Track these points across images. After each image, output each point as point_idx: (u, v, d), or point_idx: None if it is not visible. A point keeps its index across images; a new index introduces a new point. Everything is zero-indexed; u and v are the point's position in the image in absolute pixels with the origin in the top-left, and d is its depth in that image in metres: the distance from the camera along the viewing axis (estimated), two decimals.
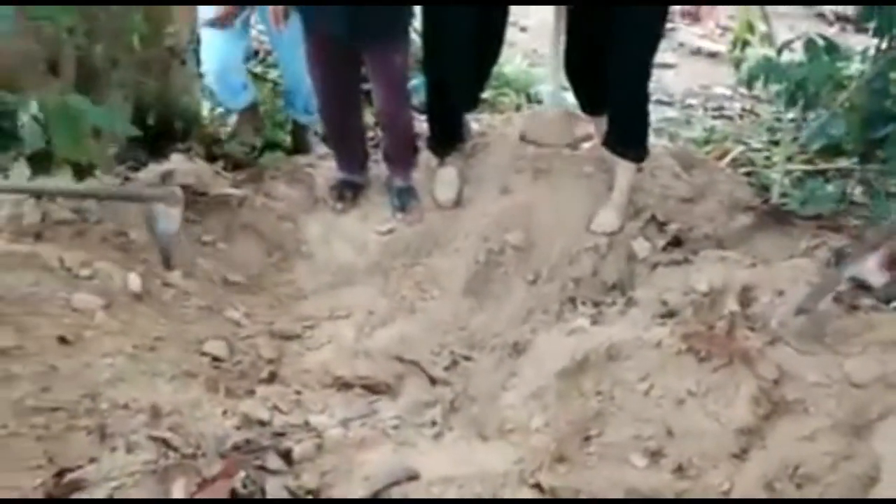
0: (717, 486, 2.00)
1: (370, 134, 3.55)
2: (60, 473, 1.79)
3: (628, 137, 3.15)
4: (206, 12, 3.17)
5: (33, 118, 2.60)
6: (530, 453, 2.12)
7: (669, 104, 5.27)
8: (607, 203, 3.17)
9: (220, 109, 3.76)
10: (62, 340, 2.14)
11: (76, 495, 1.75)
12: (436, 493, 1.88)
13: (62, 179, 2.65)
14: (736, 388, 2.17)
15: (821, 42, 3.52)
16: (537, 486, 1.94)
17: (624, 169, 3.17)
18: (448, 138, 3.38)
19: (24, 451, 1.79)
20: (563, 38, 3.24)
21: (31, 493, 1.71)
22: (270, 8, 2.88)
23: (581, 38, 2.92)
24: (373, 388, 2.42)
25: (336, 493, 1.92)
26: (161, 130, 3.33)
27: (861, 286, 2.45)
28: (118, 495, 1.77)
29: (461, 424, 2.31)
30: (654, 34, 2.99)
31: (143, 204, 2.71)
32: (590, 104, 3.32)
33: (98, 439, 1.90)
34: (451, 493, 1.86)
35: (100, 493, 1.76)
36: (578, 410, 2.27)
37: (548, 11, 3.52)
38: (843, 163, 3.77)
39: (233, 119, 3.66)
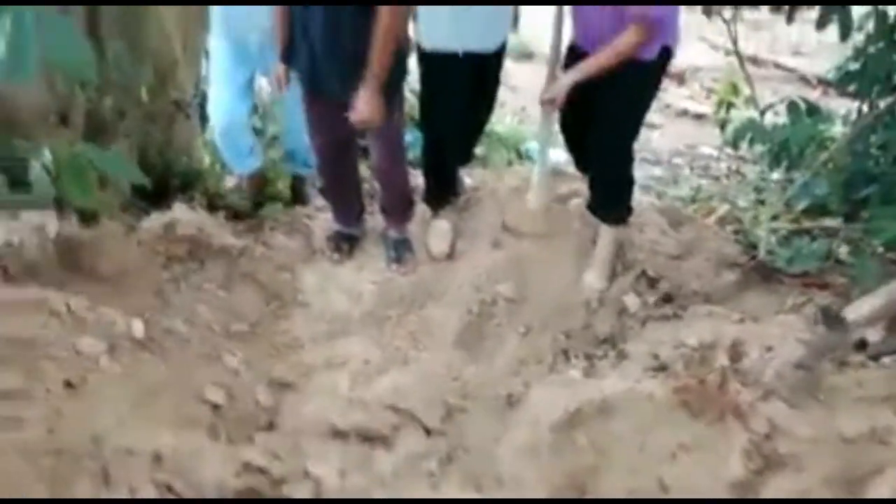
0: None
1: (366, 186, 3.64)
2: None
3: (609, 202, 3.23)
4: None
5: (43, 167, 2.67)
6: None
7: (656, 163, 5.42)
8: (592, 264, 3.24)
9: (222, 163, 3.82)
10: (67, 384, 2.16)
11: None
12: None
13: None
14: (728, 442, 2.21)
15: (802, 105, 3.66)
16: None
17: (606, 231, 3.25)
18: (442, 192, 3.48)
19: (28, 494, 1.80)
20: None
21: None
22: (273, 72, 2.99)
23: (576, 97, 3.04)
24: (369, 438, 2.44)
25: None
26: (164, 181, 3.40)
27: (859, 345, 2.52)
28: None
29: (457, 476, 2.33)
30: (640, 105, 3.05)
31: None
32: (582, 161, 3.42)
33: (102, 483, 1.91)
34: None
35: None
36: (572, 463, 2.31)
37: (537, 74, 3.64)
38: (828, 222, 3.88)
39: (235, 176, 3.71)
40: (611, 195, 3.21)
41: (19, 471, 1.86)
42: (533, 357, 2.95)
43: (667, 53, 2.89)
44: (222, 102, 3.24)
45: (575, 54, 2.99)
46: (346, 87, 2.82)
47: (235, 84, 3.24)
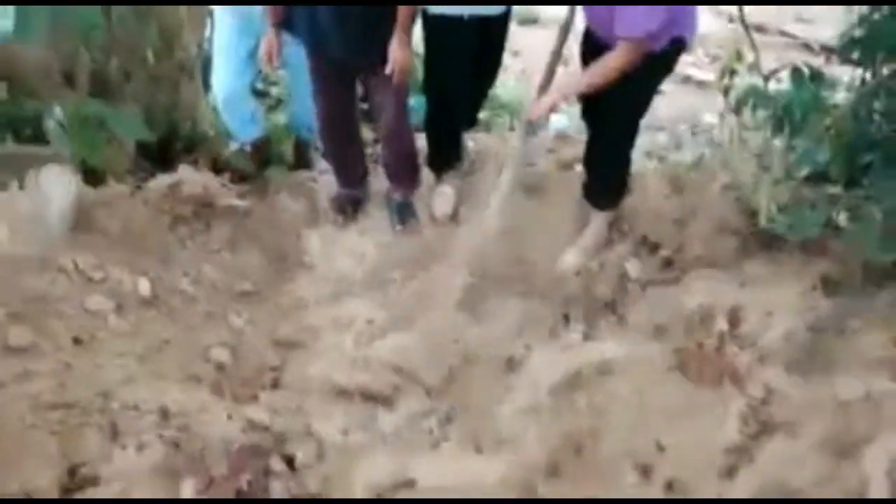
0: None
1: (369, 150, 3.64)
2: (73, 469, 1.85)
3: (602, 190, 3.19)
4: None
5: (58, 124, 2.67)
6: (524, 466, 2.19)
7: (660, 129, 5.39)
8: (576, 243, 3.22)
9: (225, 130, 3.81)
10: (76, 341, 2.20)
11: (89, 491, 1.81)
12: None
13: None
14: (725, 406, 2.25)
15: (806, 70, 3.63)
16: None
17: (597, 215, 3.23)
18: (446, 156, 3.49)
19: (39, 445, 1.86)
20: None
21: (45, 488, 1.77)
22: (263, 47, 2.98)
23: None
24: (371, 397, 2.49)
25: (336, 498, 1.98)
26: (169, 143, 3.40)
27: None
28: (129, 493, 1.83)
29: (457, 436, 2.38)
30: (644, 95, 2.99)
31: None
32: None
33: (110, 437, 1.96)
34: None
35: (111, 490, 1.82)
36: (571, 425, 2.35)
37: (541, 39, 3.60)
38: (829, 189, 3.87)
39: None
40: (605, 183, 3.18)
41: (30, 422, 1.90)
42: (534, 321, 2.97)
43: (679, 44, 2.81)
44: (225, 74, 3.22)
45: (591, 42, 2.88)
46: (352, 50, 2.82)
47: (238, 56, 3.22)
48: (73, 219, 2.59)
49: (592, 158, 3.15)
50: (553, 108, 2.88)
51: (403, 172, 3.36)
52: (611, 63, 2.64)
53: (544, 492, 2.08)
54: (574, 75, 2.81)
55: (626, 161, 3.14)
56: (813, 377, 2.26)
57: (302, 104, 3.50)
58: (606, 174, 3.16)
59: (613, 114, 2.94)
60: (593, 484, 2.15)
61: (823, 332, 2.39)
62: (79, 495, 1.82)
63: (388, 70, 2.89)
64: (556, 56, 2.99)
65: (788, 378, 2.26)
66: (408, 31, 2.88)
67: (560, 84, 2.89)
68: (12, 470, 1.81)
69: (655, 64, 2.82)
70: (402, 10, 2.82)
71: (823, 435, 2.06)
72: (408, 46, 2.90)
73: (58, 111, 2.33)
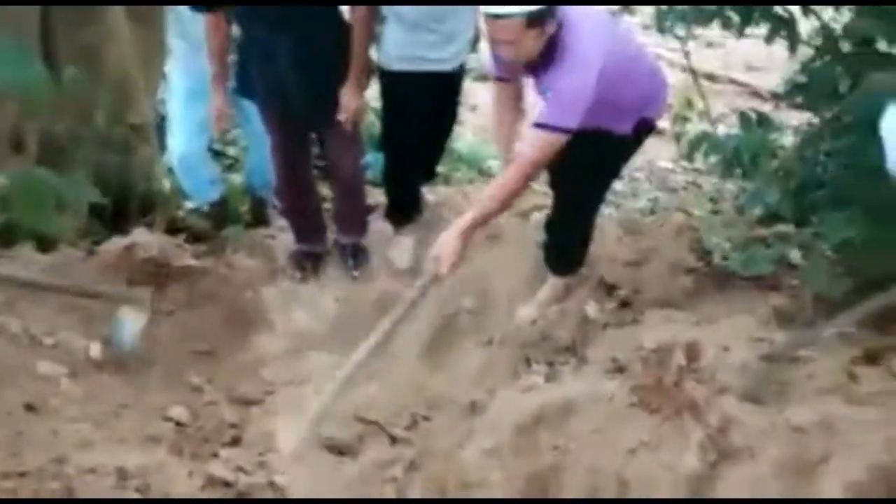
0: None
1: (326, 206, 3.67)
2: None
3: (560, 259, 3.16)
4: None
5: None
6: None
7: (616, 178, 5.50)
8: (533, 298, 3.20)
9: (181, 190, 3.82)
10: (28, 408, 2.16)
11: None
12: None
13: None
14: (685, 437, 2.26)
15: (753, 115, 3.77)
16: None
17: (554, 279, 3.20)
18: (405, 209, 3.53)
19: None
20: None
21: None
22: (213, 111, 3.03)
23: None
24: (336, 449, 2.46)
25: None
26: (123, 205, 3.40)
27: None
28: None
29: (422, 482, 2.36)
30: (605, 176, 3.00)
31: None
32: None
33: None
34: None
35: None
36: (535, 465, 2.35)
37: None
38: (780, 227, 3.97)
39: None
40: (562, 254, 3.17)
41: None
42: (495, 366, 2.98)
43: (645, 125, 2.81)
44: (180, 137, 3.26)
45: None
46: (313, 103, 2.94)
47: (192, 119, 3.26)
48: None
49: (553, 227, 3.09)
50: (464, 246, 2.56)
51: (356, 216, 3.43)
52: (517, 165, 2.49)
53: None
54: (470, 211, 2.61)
55: (587, 234, 3.12)
56: (769, 405, 2.29)
57: (258, 161, 3.54)
58: (566, 244, 3.14)
59: (577, 190, 2.92)
60: None
61: (778, 362, 2.43)
62: None
63: (340, 117, 2.97)
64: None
65: (745, 407, 2.28)
66: (359, 81, 2.98)
67: (460, 220, 2.59)
68: None
69: (623, 145, 2.82)
70: (356, 59, 2.92)
71: (780, 459, 2.08)
72: (360, 95, 3.00)
73: (1, 179, 2.32)
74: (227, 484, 2.13)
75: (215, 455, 2.34)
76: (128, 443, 2.23)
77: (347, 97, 2.97)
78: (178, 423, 2.43)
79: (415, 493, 2.25)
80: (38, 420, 2.17)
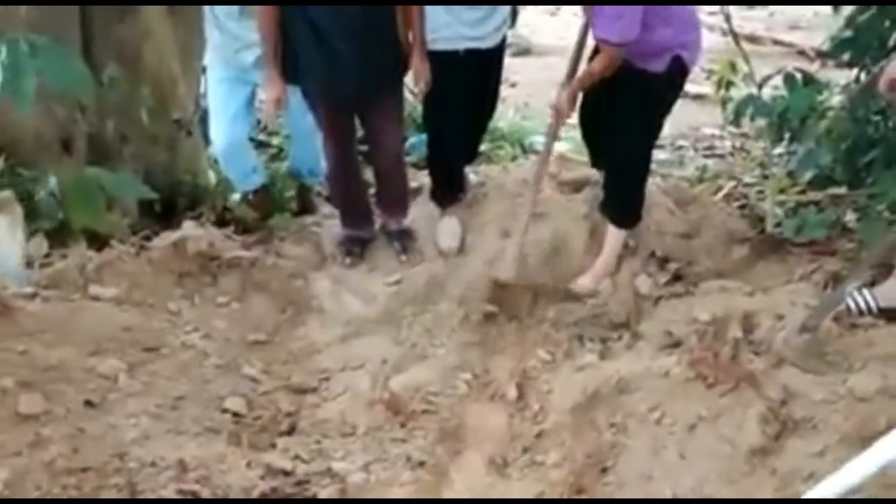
0: None
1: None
2: None
3: (619, 206, 3.20)
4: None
5: (50, 194, 2.72)
6: (549, 487, 2.16)
7: (660, 147, 5.39)
8: (594, 265, 3.21)
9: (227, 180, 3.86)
10: (88, 404, 2.21)
11: None
12: None
13: None
14: (744, 410, 2.22)
15: (798, 75, 3.66)
16: None
17: (613, 233, 3.21)
18: (449, 189, 3.51)
19: None
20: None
21: None
22: (269, 93, 3.03)
23: (595, 93, 3.00)
24: (390, 433, 2.47)
25: None
26: (171, 200, 3.45)
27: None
28: None
29: (480, 461, 2.36)
30: (649, 116, 3.04)
31: None
32: (596, 161, 3.43)
33: (128, 495, 1.95)
34: None
35: None
36: (593, 444, 2.33)
37: (537, 68, 3.65)
38: (833, 190, 3.86)
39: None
40: (620, 200, 3.20)
41: (46, 490, 1.90)
42: (548, 345, 2.96)
43: (679, 65, 2.87)
44: (222, 127, 3.26)
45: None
46: (368, 83, 2.93)
47: (234, 106, 3.27)
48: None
49: (610, 181, 3.19)
50: (575, 98, 2.99)
51: (400, 201, 3.41)
52: (594, 67, 2.83)
53: None
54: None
55: (642, 182, 3.17)
56: (829, 374, 2.24)
57: (302, 148, 3.54)
58: (624, 194, 3.18)
59: (624, 136, 2.99)
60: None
61: (812, 331, 2.37)
62: None
63: (414, 85, 3.05)
64: (579, 48, 3.11)
65: (805, 377, 2.23)
66: (423, 48, 3.00)
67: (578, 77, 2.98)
68: None
69: (658, 84, 2.88)
70: (417, 29, 2.96)
71: (844, 430, 2.03)
72: (426, 62, 3.01)
73: (52, 181, 2.36)
74: (285, 473, 2.15)
75: (273, 445, 2.37)
76: (186, 435, 2.27)
77: (416, 62, 3.00)
78: (236, 414, 2.45)
79: (474, 475, 2.23)
80: (97, 415, 2.22)
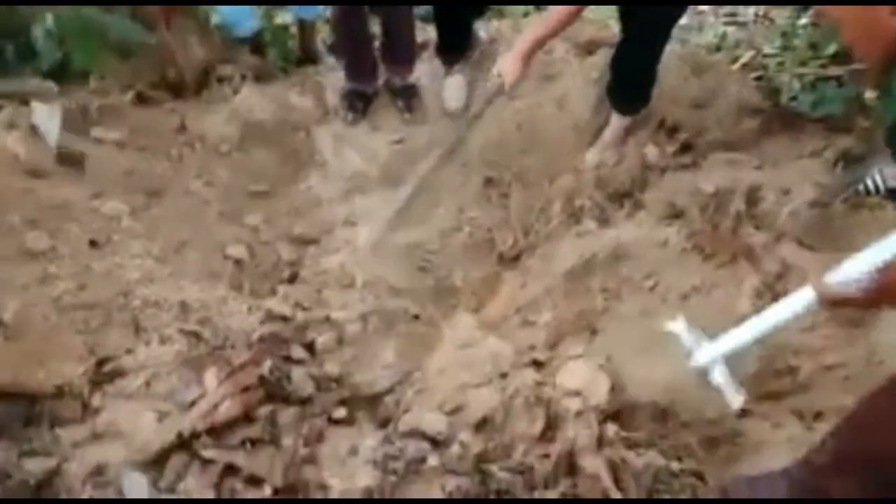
0: None
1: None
2: (101, 363, 1.91)
3: (627, 95, 3.06)
4: None
5: (48, 32, 2.64)
6: (538, 342, 2.22)
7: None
8: (597, 143, 3.12)
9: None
10: (93, 244, 2.24)
11: (116, 382, 1.88)
12: (447, 376, 1.99)
13: None
14: (739, 283, 2.25)
15: None
16: (535, 362, 2.03)
17: (618, 117, 3.11)
18: (456, 45, 3.40)
19: (66, 343, 1.91)
20: None
21: (76, 381, 1.83)
22: None
23: None
24: (388, 288, 2.52)
25: (357, 381, 2.03)
26: None
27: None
28: (154, 383, 1.89)
29: (475, 322, 2.41)
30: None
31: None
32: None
33: (133, 333, 2.01)
34: (463, 376, 1.97)
35: (138, 381, 1.88)
36: (585, 307, 2.37)
37: None
38: (858, 65, 3.73)
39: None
40: (629, 90, 3.05)
41: (55, 322, 1.95)
42: (549, 209, 2.96)
43: None
44: None
45: None
46: None
47: None
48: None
49: (621, 61, 2.99)
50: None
51: (405, 54, 3.32)
52: None
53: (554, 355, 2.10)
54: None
55: (654, 68, 2.99)
56: (829, 251, 2.24)
57: None
58: (633, 79, 3.02)
59: (647, 17, 2.79)
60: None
61: (827, 206, 2.35)
62: (108, 387, 1.89)
63: None
64: None
65: (804, 253, 2.24)
66: None
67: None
68: (43, 366, 1.87)
69: None
70: None
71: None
72: None
73: (48, 20, 2.29)
74: (284, 318, 2.20)
75: (273, 291, 2.42)
76: (189, 278, 2.31)
77: None
78: (237, 261, 2.49)
79: (464, 323, 2.28)
80: (102, 255, 2.25)
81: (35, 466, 1.66)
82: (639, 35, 2.85)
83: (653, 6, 2.71)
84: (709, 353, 1.82)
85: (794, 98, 3.38)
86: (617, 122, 3.13)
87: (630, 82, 3.02)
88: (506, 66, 2.66)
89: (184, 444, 1.74)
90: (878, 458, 1.41)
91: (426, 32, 3.59)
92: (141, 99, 2.96)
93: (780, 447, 1.85)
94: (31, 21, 2.59)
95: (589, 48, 3.59)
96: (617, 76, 3.02)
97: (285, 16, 3.86)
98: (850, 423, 1.49)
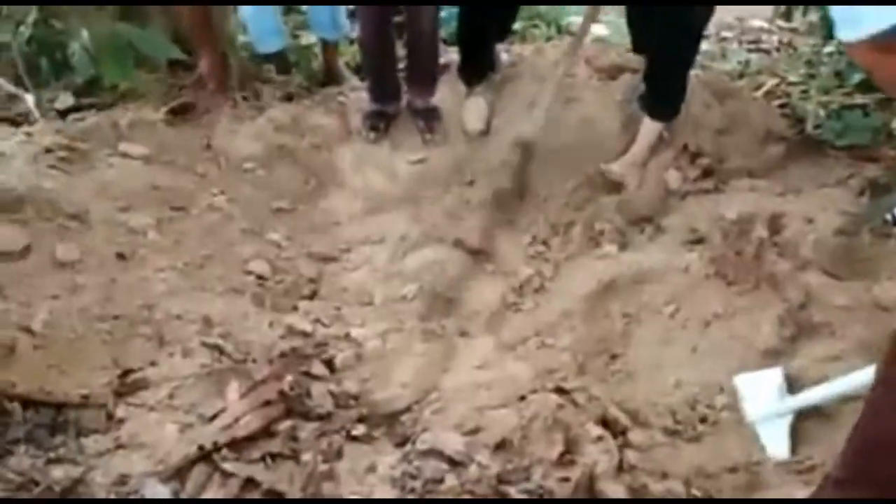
0: None
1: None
2: (125, 374, 1.93)
3: (661, 96, 3.10)
4: None
5: (83, 48, 2.70)
6: (557, 368, 2.22)
7: (704, 37, 5.19)
8: (626, 156, 3.15)
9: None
10: (119, 256, 2.26)
11: (139, 394, 1.89)
12: (465, 396, 1.99)
13: None
14: (762, 310, 2.23)
15: None
16: (560, 390, 2.03)
17: (648, 125, 3.14)
18: (478, 67, 3.42)
19: (91, 354, 1.93)
20: None
21: (100, 391, 1.85)
22: None
23: None
24: (407, 306, 2.52)
25: (375, 399, 2.04)
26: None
27: None
28: (177, 395, 1.91)
29: (493, 343, 2.41)
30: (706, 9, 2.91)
31: None
32: (640, 43, 3.31)
33: (157, 345, 2.03)
34: (481, 397, 1.97)
35: (161, 392, 1.90)
36: (605, 331, 2.37)
37: None
38: (882, 94, 3.71)
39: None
40: (662, 90, 3.10)
41: (81, 333, 1.98)
42: (569, 232, 2.96)
43: None
44: None
45: None
46: None
47: None
48: None
49: (654, 68, 3.07)
50: None
51: (428, 77, 3.35)
52: None
53: (573, 386, 2.09)
54: None
55: (687, 69, 3.06)
56: (854, 281, 2.22)
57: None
58: (667, 83, 3.08)
59: (677, 17, 2.84)
60: (625, 385, 2.17)
61: (854, 235, 2.34)
62: (131, 399, 1.91)
63: None
64: None
65: (828, 282, 2.22)
66: None
67: None
68: (68, 375, 1.90)
69: None
70: None
71: (862, 337, 2.03)
72: None
73: (84, 35, 2.33)
74: (305, 334, 2.22)
75: (294, 307, 2.43)
76: (212, 293, 2.33)
77: None
78: (259, 276, 2.51)
79: (485, 350, 2.29)
80: (127, 268, 2.28)
81: (61, 474, 1.68)
82: (670, 43, 2.93)
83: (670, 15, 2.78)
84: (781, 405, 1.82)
85: (818, 126, 3.37)
86: (646, 133, 3.14)
87: (665, 86, 3.08)
88: None
89: (205, 456, 1.75)
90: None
91: (448, 54, 3.62)
92: (172, 113, 3.01)
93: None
94: (68, 37, 2.65)
95: (612, 73, 3.60)
96: (652, 84, 3.09)
97: (310, 37, 3.91)
98: (860, 435, 1.48)
